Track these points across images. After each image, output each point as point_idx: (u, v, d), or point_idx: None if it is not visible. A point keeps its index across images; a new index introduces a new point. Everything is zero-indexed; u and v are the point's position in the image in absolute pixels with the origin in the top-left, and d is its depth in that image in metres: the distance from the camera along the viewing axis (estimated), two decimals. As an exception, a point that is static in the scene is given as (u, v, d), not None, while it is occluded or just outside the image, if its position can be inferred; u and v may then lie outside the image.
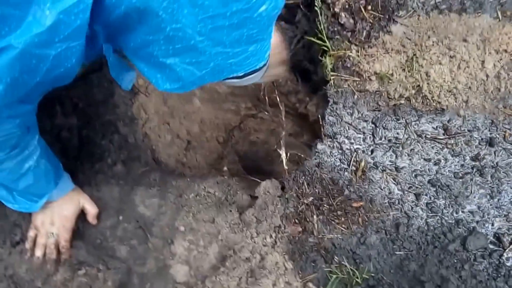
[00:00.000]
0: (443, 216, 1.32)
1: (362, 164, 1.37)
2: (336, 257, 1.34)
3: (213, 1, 0.70)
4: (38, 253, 1.30)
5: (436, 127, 1.36)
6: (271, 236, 1.36)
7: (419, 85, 1.36)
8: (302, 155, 1.46)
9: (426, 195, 1.34)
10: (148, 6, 0.69)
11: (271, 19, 0.81)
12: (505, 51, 1.34)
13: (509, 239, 1.28)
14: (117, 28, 0.78)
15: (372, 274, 1.29)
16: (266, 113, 1.72)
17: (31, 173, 1.09)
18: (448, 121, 1.35)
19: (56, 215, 1.29)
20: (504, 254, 1.27)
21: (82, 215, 1.34)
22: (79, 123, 1.47)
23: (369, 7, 1.42)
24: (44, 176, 1.16)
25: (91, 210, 1.34)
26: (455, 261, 1.28)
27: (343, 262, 1.32)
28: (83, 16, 0.68)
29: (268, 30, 0.85)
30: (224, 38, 0.77)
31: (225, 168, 1.61)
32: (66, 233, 1.31)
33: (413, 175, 1.36)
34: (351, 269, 1.30)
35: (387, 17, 1.41)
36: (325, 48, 1.44)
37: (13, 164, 1.03)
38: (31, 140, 1.07)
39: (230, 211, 1.38)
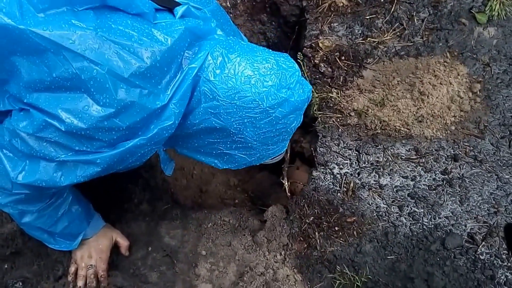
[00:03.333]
0: (423, 223, 1.76)
1: (351, 185, 1.82)
2: (338, 266, 1.75)
3: (265, 124, 1.23)
4: (80, 283, 1.65)
5: (409, 149, 1.84)
6: (280, 254, 1.78)
7: (390, 117, 1.88)
8: (301, 183, 1.94)
9: (407, 206, 1.78)
10: (223, 126, 1.21)
11: (296, 128, 1.37)
12: (456, 82, 1.88)
13: (481, 237, 1.71)
14: (184, 137, 1.29)
15: (370, 277, 1.70)
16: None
17: (65, 217, 1.49)
18: (418, 144, 1.83)
19: (93, 249, 1.67)
20: (478, 249, 1.68)
21: (115, 249, 1.76)
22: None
23: (343, 58, 1.96)
24: (77, 218, 1.55)
25: (123, 243, 1.74)
26: (438, 259, 1.69)
27: (344, 270, 1.73)
28: (171, 131, 1.18)
29: (292, 133, 1.41)
30: (269, 141, 1.31)
31: (236, 201, 2.06)
32: (103, 264, 1.67)
33: (395, 190, 1.81)
34: (351, 275, 1.71)
35: (358, 64, 1.94)
36: (311, 92, 1.96)
37: (50, 211, 1.43)
38: (63, 189, 1.45)
39: (244, 235, 1.81)
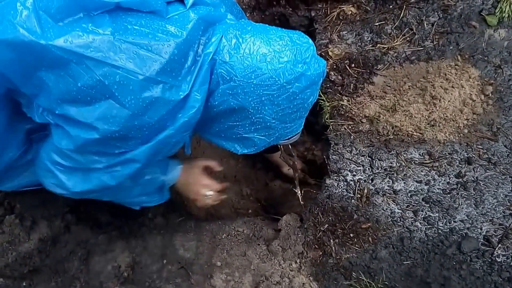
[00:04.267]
0: (439, 227, 1.81)
1: (365, 191, 1.89)
2: (353, 273, 1.81)
3: (283, 101, 1.29)
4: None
5: (422, 153, 1.90)
6: (296, 262, 1.85)
7: (402, 122, 1.95)
8: (315, 191, 2.01)
9: (422, 211, 1.84)
10: (242, 106, 1.28)
11: (312, 104, 1.43)
12: (468, 85, 1.94)
13: (497, 239, 1.76)
14: (205, 121, 1.37)
15: (386, 283, 1.75)
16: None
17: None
18: (431, 148, 1.89)
19: (192, 187, 1.79)
20: (495, 252, 1.72)
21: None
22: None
23: (353, 65, 2.04)
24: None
25: (210, 163, 1.83)
26: (454, 263, 1.75)
27: (360, 277, 1.79)
28: (197, 117, 1.28)
29: (309, 110, 1.46)
30: (287, 119, 1.37)
31: (250, 211, 2.14)
32: (213, 185, 1.79)
33: (409, 195, 1.87)
34: (368, 281, 1.77)
35: (368, 71, 2.01)
36: (322, 101, 2.04)
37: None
38: None
39: (259, 244, 1.88)
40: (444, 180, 1.86)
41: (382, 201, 1.87)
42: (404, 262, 1.78)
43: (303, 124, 1.53)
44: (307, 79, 1.28)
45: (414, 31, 2.01)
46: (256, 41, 1.24)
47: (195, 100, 1.24)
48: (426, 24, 2.01)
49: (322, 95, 2.01)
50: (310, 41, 1.32)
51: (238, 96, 1.26)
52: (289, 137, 1.54)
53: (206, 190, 1.79)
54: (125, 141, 1.25)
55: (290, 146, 2.16)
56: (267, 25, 1.36)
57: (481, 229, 1.78)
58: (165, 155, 1.40)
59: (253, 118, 1.33)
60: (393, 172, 1.89)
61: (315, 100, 1.42)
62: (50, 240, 1.88)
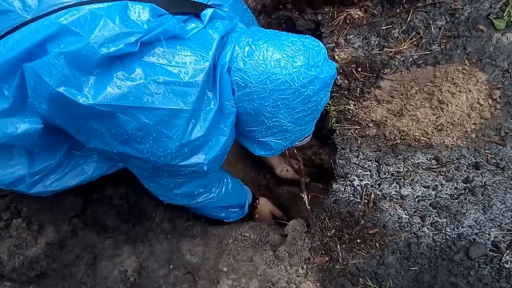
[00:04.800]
0: (446, 233, 1.79)
1: (372, 196, 1.87)
2: (361, 279, 1.79)
3: (298, 104, 1.32)
4: None
5: (429, 158, 1.88)
6: (302, 268, 1.83)
7: (409, 126, 1.92)
8: (322, 196, 1.99)
9: (429, 216, 1.82)
10: (257, 110, 1.32)
11: (325, 105, 1.47)
12: (476, 90, 1.92)
13: (505, 245, 1.74)
14: None
15: (394, 289, 1.76)
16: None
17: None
18: (438, 153, 1.87)
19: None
20: (503, 258, 1.71)
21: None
22: (128, 191, 2.02)
23: (360, 69, 2.02)
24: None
25: (277, 212, 2.21)
26: (462, 269, 1.73)
27: (367, 283, 1.77)
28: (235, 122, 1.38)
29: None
30: (302, 121, 1.41)
31: (257, 216, 2.12)
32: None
33: (416, 200, 1.85)
34: (374, 287, 1.77)
35: (375, 75, 1.99)
36: (328, 106, 2.02)
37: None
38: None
39: (265, 249, 1.87)
40: (452, 185, 1.84)
41: (389, 206, 1.85)
42: (412, 268, 1.75)
43: (313, 126, 1.57)
44: (320, 81, 1.31)
45: (421, 35, 1.99)
46: (269, 47, 1.27)
47: (229, 107, 1.32)
48: (433, 28, 1.99)
49: (329, 100, 1.99)
50: (321, 44, 1.34)
51: (253, 102, 1.30)
52: (302, 139, 1.60)
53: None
54: (183, 169, 1.37)
55: (295, 150, 2.14)
56: (277, 31, 1.39)
57: (489, 234, 1.76)
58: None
59: (269, 122, 1.36)
60: (400, 177, 1.87)
61: (328, 101, 1.48)
62: (57, 244, 1.87)
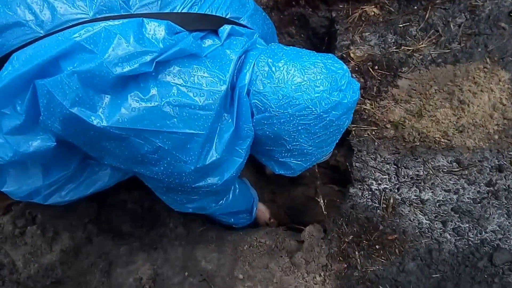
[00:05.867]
0: (469, 238, 1.70)
1: (391, 201, 1.78)
2: (380, 286, 1.71)
3: (320, 129, 1.24)
4: None
5: (450, 161, 1.79)
6: (320, 275, 1.75)
7: (429, 128, 1.83)
8: (338, 200, 1.90)
9: (451, 221, 1.73)
10: (277, 135, 1.25)
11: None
12: (498, 89, 1.81)
13: (531, 251, 1.67)
14: None
15: (414, 297, 1.67)
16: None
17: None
18: (460, 155, 1.78)
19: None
20: None
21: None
22: (142, 195, 1.96)
23: (376, 67, 1.92)
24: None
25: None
26: (486, 276, 1.64)
27: (387, 290, 1.71)
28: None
29: None
30: (324, 144, 1.34)
31: (272, 220, 2.05)
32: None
33: (437, 205, 1.76)
34: (395, 295, 1.69)
35: (392, 74, 1.90)
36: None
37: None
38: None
39: (281, 256, 1.79)
40: (474, 189, 1.74)
41: (409, 211, 1.76)
42: (433, 275, 1.67)
43: (335, 143, 1.49)
44: (343, 106, 1.23)
45: (440, 32, 1.89)
46: (290, 69, 1.19)
47: (246, 130, 1.25)
48: (453, 25, 1.88)
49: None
50: (345, 66, 1.26)
51: (273, 126, 1.23)
52: (323, 158, 1.53)
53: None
54: (199, 190, 1.33)
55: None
56: (299, 48, 1.30)
57: (514, 240, 1.67)
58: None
59: (289, 146, 1.30)
60: (420, 181, 1.78)
61: (349, 123, 1.40)
62: (72, 251, 1.83)
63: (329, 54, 1.30)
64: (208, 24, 1.22)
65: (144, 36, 1.06)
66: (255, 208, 1.96)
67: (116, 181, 1.57)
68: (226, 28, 1.23)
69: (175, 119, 1.11)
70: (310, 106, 1.18)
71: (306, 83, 1.17)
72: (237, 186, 1.71)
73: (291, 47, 1.32)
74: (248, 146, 1.29)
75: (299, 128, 1.22)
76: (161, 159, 1.18)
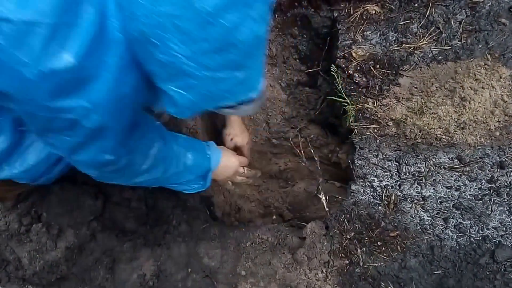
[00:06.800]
0: (471, 235, 1.68)
1: (393, 198, 1.76)
2: (382, 283, 1.69)
3: (192, 25, 0.81)
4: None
5: (452, 158, 1.76)
6: (322, 271, 1.73)
7: (430, 125, 1.80)
8: (340, 197, 1.88)
9: (453, 218, 1.70)
10: (142, 33, 0.84)
11: (253, 46, 0.92)
12: (499, 85, 1.78)
13: (533, 248, 1.64)
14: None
15: (416, 293, 1.65)
16: (303, 164, 2.18)
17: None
18: (461, 152, 1.75)
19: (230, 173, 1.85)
20: None
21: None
22: (145, 193, 1.95)
23: (378, 66, 1.90)
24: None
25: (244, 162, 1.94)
26: (488, 273, 1.62)
27: (389, 287, 1.67)
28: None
29: (254, 58, 0.97)
30: (210, 63, 0.88)
31: (274, 217, 2.03)
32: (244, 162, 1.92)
33: (439, 202, 1.74)
34: (397, 291, 1.67)
35: (394, 72, 1.87)
36: (346, 104, 1.91)
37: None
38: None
39: (283, 253, 1.77)
40: (476, 186, 1.71)
41: (411, 208, 1.73)
42: (435, 272, 1.65)
43: (258, 86, 1.06)
44: None
45: (441, 29, 1.86)
46: None
47: (114, 30, 0.88)
48: (453, 22, 1.85)
49: (346, 98, 1.88)
50: None
51: (137, 20, 0.83)
52: (232, 103, 1.06)
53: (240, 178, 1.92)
54: None
55: (312, 150, 2.03)
56: None
57: (515, 236, 1.64)
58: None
59: (161, 55, 0.87)
60: (421, 177, 1.75)
61: (261, 41, 0.95)
62: (76, 248, 1.83)
63: None
64: None
65: None
66: (209, 174, 1.69)
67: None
68: None
69: None
70: None
71: None
72: (180, 152, 1.52)
73: None
74: (121, 58, 0.91)
75: (165, 21, 0.80)
76: None
